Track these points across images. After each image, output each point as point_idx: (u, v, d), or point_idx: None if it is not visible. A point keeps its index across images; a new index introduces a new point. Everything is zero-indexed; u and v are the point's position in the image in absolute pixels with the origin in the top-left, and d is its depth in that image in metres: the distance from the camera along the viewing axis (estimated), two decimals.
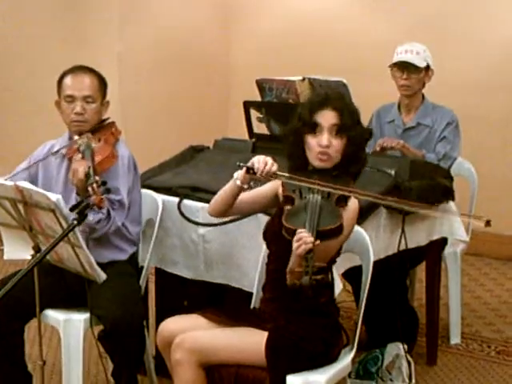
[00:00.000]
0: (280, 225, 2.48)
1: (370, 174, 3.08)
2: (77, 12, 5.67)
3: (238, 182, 2.63)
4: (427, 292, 3.76)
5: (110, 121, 3.18)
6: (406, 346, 3.42)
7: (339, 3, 5.94)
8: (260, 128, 3.77)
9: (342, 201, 2.56)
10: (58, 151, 3.10)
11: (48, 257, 2.61)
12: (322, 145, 2.61)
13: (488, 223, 2.41)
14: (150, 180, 3.49)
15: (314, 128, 2.63)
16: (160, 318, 3.13)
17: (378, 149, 3.71)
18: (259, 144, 3.61)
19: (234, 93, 6.06)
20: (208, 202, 2.87)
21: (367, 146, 2.80)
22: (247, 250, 3.12)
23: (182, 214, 3.26)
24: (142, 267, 3.22)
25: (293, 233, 2.38)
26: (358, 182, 2.72)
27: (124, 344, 2.88)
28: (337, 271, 2.85)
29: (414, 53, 3.85)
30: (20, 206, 2.59)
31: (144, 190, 3.28)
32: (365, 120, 2.94)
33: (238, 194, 2.70)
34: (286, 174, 2.58)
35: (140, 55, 5.69)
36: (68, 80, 3.10)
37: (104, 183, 2.66)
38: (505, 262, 5.42)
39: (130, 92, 5.55)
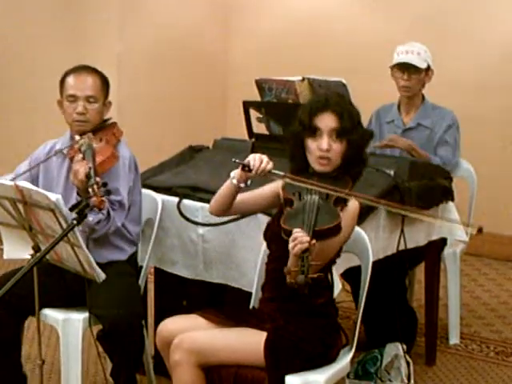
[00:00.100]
0: (280, 227, 2.49)
1: (369, 175, 3.07)
2: (76, 12, 5.68)
3: (235, 181, 2.65)
4: (426, 292, 3.75)
5: (111, 121, 3.17)
6: (404, 347, 3.42)
7: (339, 3, 5.94)
8: (259, 128, 3.76)
9: (341, 201, 2.56)
10: (59, 151, 3.10)
11: (47, 256, 2.61)
12: (322, 149, 2.61)
13: (480, 231, 2.40)
14: (150, 180, 3.49)
15: (313, 132, 2.63)
16: (159, 318, 3.13)
17: (383, 143, 3.72)
18: (258, 144, 3.61)
19: (233, 93, 6.05)
20: (208, 201, 2.88)
21: (367, 147, 2.80)
22: (246, 250, 3.12)
23: (181, 213, 3.26)
24: (142, 267, 3.22)
25: (289, 234, 2.38)
26: (357, 182, 2.72)
27: (123, 344, 2.88)
28: (336, 271, 2.85)
29: (414, 53, 3.84)
30: (20, 206, 2.59)
31: (143, 190, 3.28)
32: (364, 120, 2.93)
33: (235, 194, 2.70)
34: (281, 173, 2.60)
35: (139, 55, 5.69)
36: (71, 79, 3.09)
37: (105, 185, 2.64)
38: (504, 262, 5.41)
39: (130, 92, 5.55)
